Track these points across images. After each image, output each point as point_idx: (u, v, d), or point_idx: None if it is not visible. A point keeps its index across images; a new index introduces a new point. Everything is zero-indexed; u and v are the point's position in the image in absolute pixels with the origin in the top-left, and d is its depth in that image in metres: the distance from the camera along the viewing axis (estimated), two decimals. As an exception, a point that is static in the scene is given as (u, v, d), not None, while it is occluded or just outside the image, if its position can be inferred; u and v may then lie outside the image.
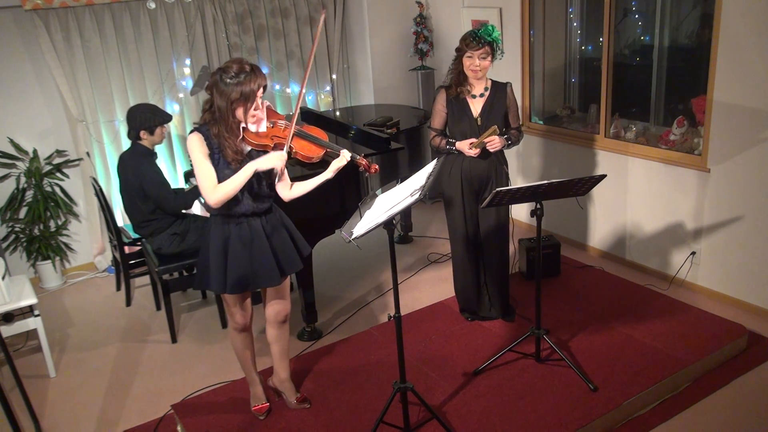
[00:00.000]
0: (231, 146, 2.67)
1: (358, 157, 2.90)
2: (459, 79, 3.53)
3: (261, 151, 2.79)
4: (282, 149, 2.74)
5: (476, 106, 3.56)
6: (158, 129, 4.05)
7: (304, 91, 2.92)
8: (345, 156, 2.83)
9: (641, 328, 3.70)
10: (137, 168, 3.98)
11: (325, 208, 3.73)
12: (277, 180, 2.85)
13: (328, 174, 2.85)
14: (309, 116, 4.85)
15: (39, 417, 3.37)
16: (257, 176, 2.77)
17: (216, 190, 2.67)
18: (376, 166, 2.92)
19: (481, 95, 3.56)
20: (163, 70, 5.19)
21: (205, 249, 2.87)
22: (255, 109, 2.68)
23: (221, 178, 2.71)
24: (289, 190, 2.91)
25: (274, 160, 2.70)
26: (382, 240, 3.19)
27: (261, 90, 2.66)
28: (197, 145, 2.68)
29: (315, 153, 2.84)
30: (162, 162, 4.32)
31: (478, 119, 3.55)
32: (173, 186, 4.36)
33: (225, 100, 2.62)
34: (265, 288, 2.99)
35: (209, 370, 3.77)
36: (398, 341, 2.83)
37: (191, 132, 2.73)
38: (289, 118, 2.88)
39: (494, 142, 3.44)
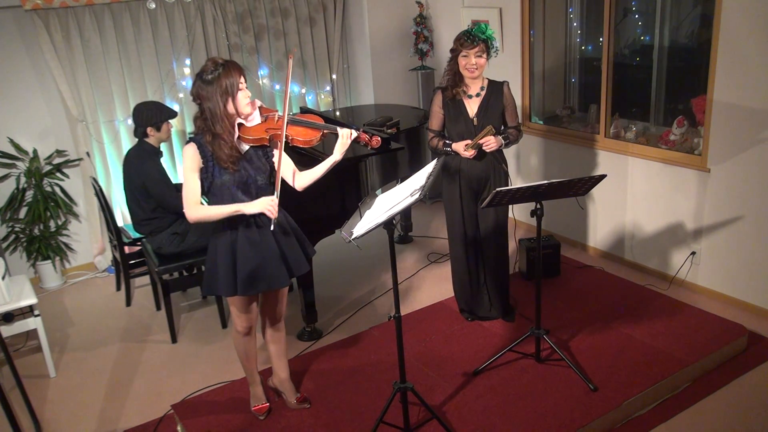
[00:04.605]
0: (226, 145, 2.67)
1: (357, 132, 2.89)
2: (455, 79, 3.53)
3: (258, 147, 2.79)
4: (278, 140, 2.73)
5: (472, 106, 3.56)
6: (164, 125, 4.08)
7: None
8: (346, 133, 2.81)
9: (641, 328, 3.70)
10: (141, 166, 3.99)
11: (325, 208, 3.73)
12: (284, 180, 2.84)
13: (336, 155, 2.84)
14: (307, 115, 4.84)
15: (39, 417, 3.37)
16: (258, 176, 2.77)
17: (197, 209, 2.70)
18: (378, 138, 2.90)
19: (477, 95, 3.56)
20: (163, 70, 5.19)
21: (212, 255, 2.86)
22: (245, 97, 2.70)
23: (219, 186, 2.73)
24: (298, 178, 2.91)
25: (262, 206, 2.69)
26: (382, 240, 3.19)
27: (242, 78, 2.68)
28: (189, 157, 2.70)
29: (312, 136, 2.83)
30: (162, 160, 4.31)
31: (475, 119, 3.55)
32: (174, 182, 4.37)
33: (213, 98, 2.63)
34: (271, 289, 2.98)
35: (209, 370, 3.77)
36: (398, 341, 2.83)
37: (187, 143, 2.74)
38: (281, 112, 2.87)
39: (489, 143, 3.44)
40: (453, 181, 3.64)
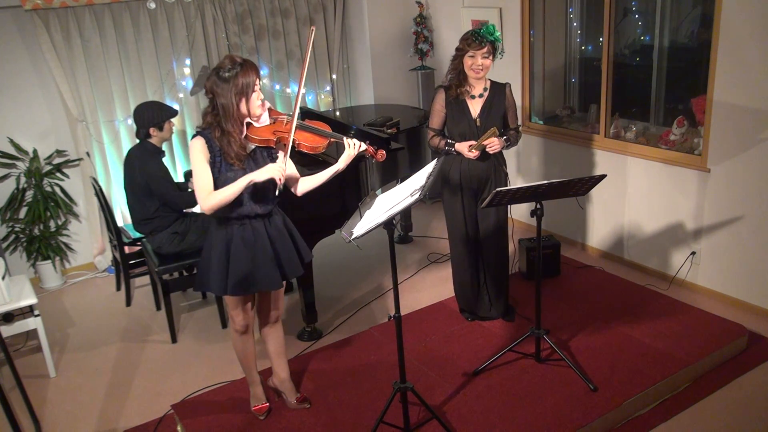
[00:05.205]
0: (235, 142, 2.68)
1: (365, 144, 2.89)
2: (459, 79, 3.53)
3: (264, 148, 2.80)
4: (285, 143, 2.74)
5: (475, 107, 3.56)
6: (167, 124, 4.10)
7: (303, 90, 2.92)
8: (355, 144, 2.82)
9: (641, 328, 3.70)
10: (144, 166, 3.99)
11: (325, 208, 3.73)
12: (285, 185, 2.84)
13: (340, 164, 2.85)
14: (309, 116, 4.85)
15: (39, 417, 3.37)
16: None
17: (210, 197, 2.69)
18: (383, 152, 2.90)
19: (480, 96, 3.56)
20: (163, 70, 5.19)
21: (207, 251, 2.86)
22: (258, 99, 2.70)
23: (224, 181, 2.72)
24: (299, 183, 2.91)
25: (272, 171, 2.69)
26: (382, 240, 3.19)
27: (257, 79, 2.69)
28: (198, 150, 2.70)
29: (319, 143, 2.84)
30: (164, 160, 4.32)
31: (477, 120, 3.55)
32: (176, 181, 4.38)
33: (227, 95, 2.63)
34: (263, 291, 2.99)
35: (209, 370, 3.77)
36: (398, 341, 2.83)
37: (194, 136, 2.74)
38: (290, 114, 2.88)
39: (493, 144, 3.44)
40: (453, 181, 3.63)
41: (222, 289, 2.84)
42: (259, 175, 2.69)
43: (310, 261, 3.15)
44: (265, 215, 2.85)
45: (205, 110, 2.75)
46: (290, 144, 2.73)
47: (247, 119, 2.73)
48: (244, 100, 2.67)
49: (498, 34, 3.43)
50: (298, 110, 2.82)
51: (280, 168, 2.69)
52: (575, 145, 4.83)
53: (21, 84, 4.77)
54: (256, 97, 2.70)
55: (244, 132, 2.73)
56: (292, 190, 2.92)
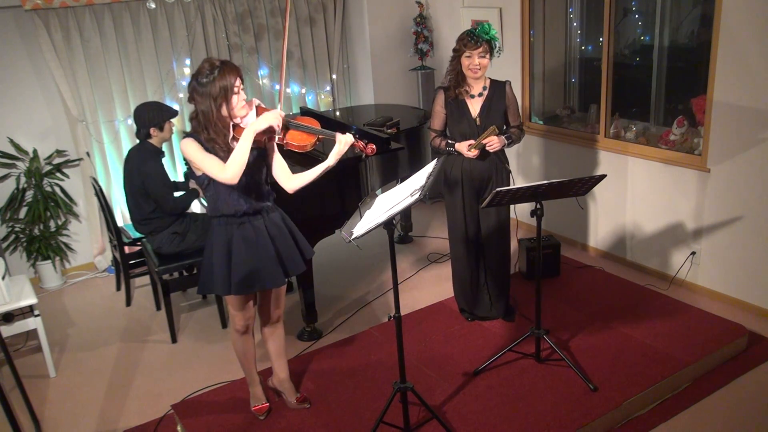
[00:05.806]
0: (221, 147, 2.67)
1: (354, 139, 2.85)
2: (457, 79, 3.53)
3: (254, 147, 2.78)
4: (272, 141, 2.73)
5: (475, 106, 3.56)
6: (167, 124, 4.10)
7: (286, 90, 2.91)
8: (344, 140, 2.77)
9: (641, 328, 3.70)
10: (142, 166, 3.99)
11: (325, 208, 3.73)
12: (274, 179, 2.83)
13: (330, 161, 2.81)
14: (307, 116, 4.84)
15: (39, 417, 3.37)
16: (254, 174, 2.77)
17: (227, 167, 2.62)
18: (373, 146, 2.86)
19: (480, 95, 3.56)
20: (163, 70, 5.19)
21: (209, 252, 2.86)
22: (240, 100, 2.68)
23: (216, 182, 2.71)
24: (290, 180, 2.90)
25: (270, 118, 2.64)
26: (382, 240, 3.19)
27: (239, 80, 2.66)
28: (193, 147, 2.67)
29: (307, 141, 2.81)
30: (163, 160, 4.32)
31: (477, 119, 3.55)
32: (172, 179, 4.37)
33: (207, 100, 2.62)
34: (266, 289, 2.99)
35: (209, 370, 3.77)
36: (398, 341, 2.83)
37: (183, 138, 2.71)
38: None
39: (493, 143, 3.44)
40: (455, 180, 3.64)
41: (226, 289, 2.83)
42: (259, 123, 2.64)
43: (310, 258, 3.15)
44: (262, 212, 2.84)
45: (191, 115, 2.74)
46: (274, 143, 2.71)
47: (233, 121, 2.72)
48: (224, 104, 2.64)
49: (494, 32, 3.44)
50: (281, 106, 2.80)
51: (277, 114, 2.66)
52: (575, 145, 4.83)
53: (21, 84, 4.77)
54: (238, 99, 2.67)
55: (231, 134, 2.72)
56: (284, 186, 2.90)
